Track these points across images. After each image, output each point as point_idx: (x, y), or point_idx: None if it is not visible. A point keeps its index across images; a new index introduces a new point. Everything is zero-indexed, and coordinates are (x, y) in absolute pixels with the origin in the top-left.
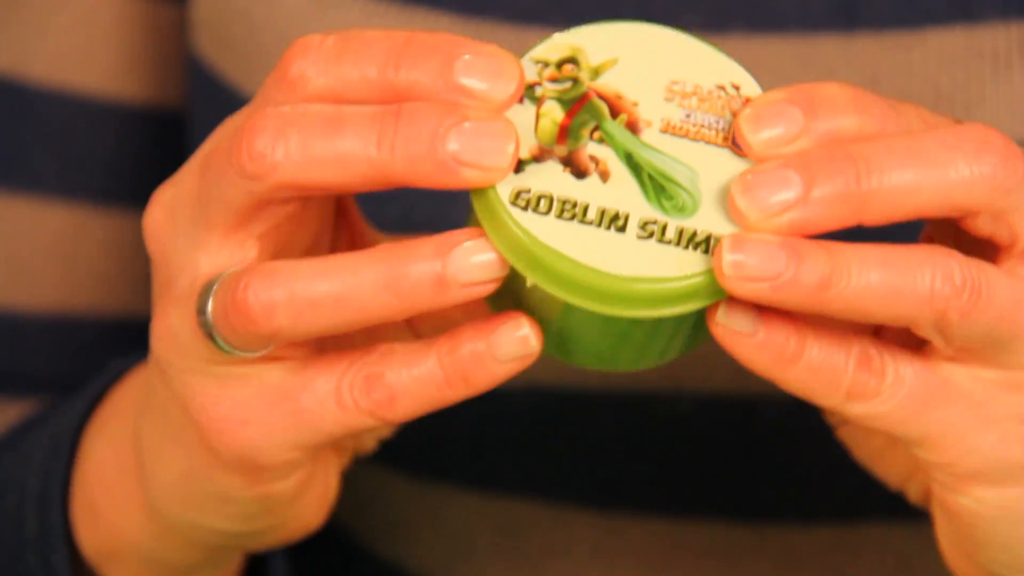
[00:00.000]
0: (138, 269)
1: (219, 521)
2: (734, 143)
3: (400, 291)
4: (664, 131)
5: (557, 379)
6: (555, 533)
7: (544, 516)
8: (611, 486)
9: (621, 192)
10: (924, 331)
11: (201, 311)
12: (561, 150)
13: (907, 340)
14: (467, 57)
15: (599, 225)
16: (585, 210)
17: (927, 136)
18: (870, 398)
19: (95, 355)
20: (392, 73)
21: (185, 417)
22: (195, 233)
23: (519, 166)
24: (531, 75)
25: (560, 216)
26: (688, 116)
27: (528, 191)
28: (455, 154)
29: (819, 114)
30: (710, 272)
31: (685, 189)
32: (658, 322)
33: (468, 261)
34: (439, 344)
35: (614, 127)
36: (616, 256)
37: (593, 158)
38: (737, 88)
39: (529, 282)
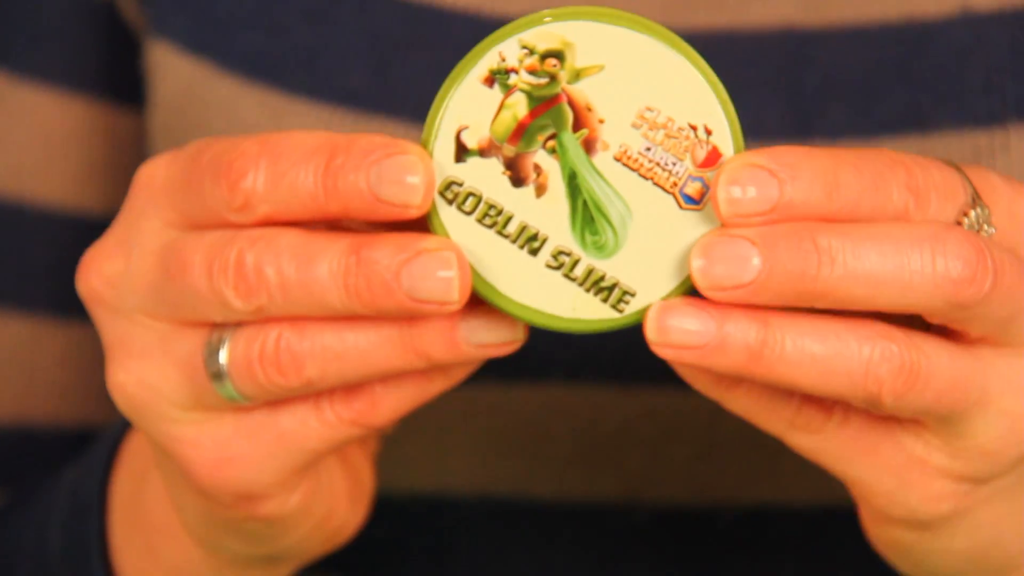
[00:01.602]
0: (97, 380)
1: (245, 547)
2: (681, 193)
3: (415, 347)
4: (617, 159)
5: (511, 489)
6: None
7: None
8: None
9: (549, 212)
10: (856, 404)
11: (211, 361)
12: (509, 150)
13: None
14: (382, 174)
15: (514, 241)
16: (507, 221)
17: (897, 240)
18: (814, 432)
19: (54, 466)
20: (324, 200)
21: (175, 463)
22: (159, 314)
23: (462, 155)
24: (512, 60)
25: (481, 220)
26: (648, 149)
27: (460, 184)
28: (410, 294)
29: (796, 188)
30: (600, 322)
31: (613, 228)
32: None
33: (477, 322)
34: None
35: (570, 141)
36: (517, 278)
37: (537, 168)
38: (709, 133)
39: None
